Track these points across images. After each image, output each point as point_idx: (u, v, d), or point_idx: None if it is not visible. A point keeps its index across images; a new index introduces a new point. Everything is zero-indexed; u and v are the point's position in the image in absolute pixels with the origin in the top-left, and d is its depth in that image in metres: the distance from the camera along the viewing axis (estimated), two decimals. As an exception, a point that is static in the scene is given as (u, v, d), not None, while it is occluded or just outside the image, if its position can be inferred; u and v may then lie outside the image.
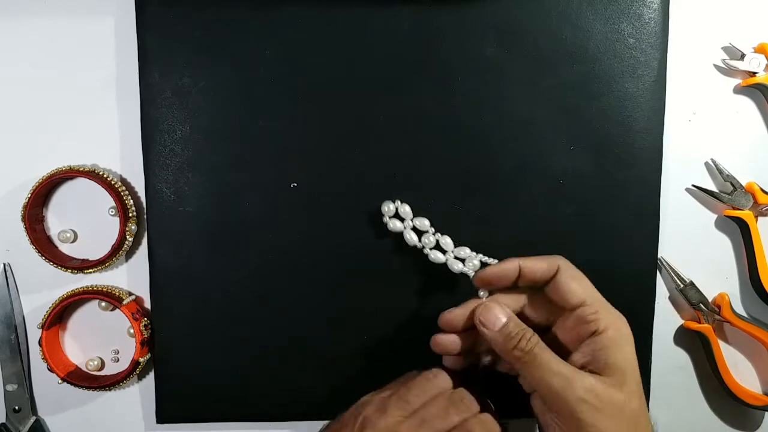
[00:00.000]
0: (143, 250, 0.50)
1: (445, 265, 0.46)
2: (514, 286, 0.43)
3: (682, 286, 0.50)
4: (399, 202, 0.45)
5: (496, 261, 0.44)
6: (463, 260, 0.45)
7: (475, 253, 0.45)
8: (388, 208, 0.46)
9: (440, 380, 0.41)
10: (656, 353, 0.50)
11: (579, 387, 0.38)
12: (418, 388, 0.41)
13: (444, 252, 0.45)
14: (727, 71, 0.50)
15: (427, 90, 0.47)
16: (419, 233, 0.45)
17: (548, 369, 0.38)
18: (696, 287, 0.50)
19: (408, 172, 0.48)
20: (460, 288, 0.48)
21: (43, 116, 0.49)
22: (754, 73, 0.49)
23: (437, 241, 0.45)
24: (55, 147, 0.49)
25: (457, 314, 0.43)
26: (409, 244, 0.45)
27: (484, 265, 0.44)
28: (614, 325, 0.40)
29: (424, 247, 0.45)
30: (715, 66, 0.50)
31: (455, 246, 0.45)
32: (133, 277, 0.50)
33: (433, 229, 0.45)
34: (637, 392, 0.39)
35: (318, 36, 0.47)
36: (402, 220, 0.46)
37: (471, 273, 0.44)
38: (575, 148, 0.48)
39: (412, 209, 0.47)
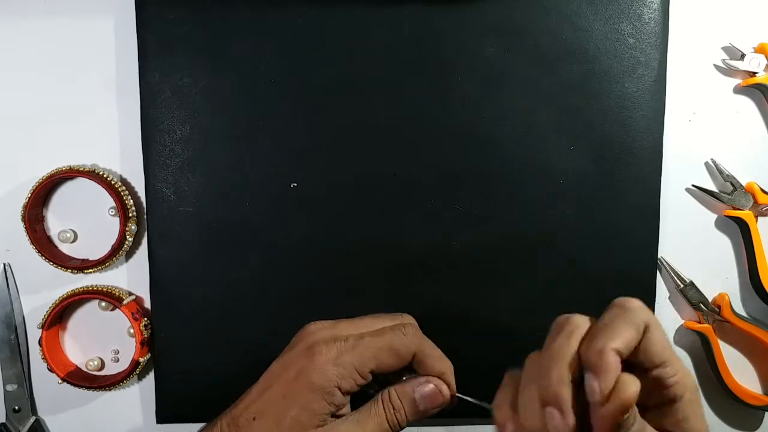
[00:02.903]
0: (143, 250, 0.50)
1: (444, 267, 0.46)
2: None
3: (682, 286, 0.50)
4: None
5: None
6: None
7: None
8: None
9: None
10: (656, 353, 0.50)
11: None
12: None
13: None
14: (727, 71, 0.50)
15: (427, 90, 0.47)
16: None
17: None
18: (696, 287, 0.50)
19: (408, 171, 0.48)
20: (461, 285, 0.48)
21: (43, 116, 0.49)
22: (754, 73, 0.49)
23: None
24: (55, 147, 0.49)
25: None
26: None
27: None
28: (690, 387, 0.34)
29: None
30: (715, 66, 0.50)
31: None
32: (133, 277, 0.50)
33: None
34: None
35: (318, 36, 0.47)
36: None
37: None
38: (575, 148, 0.48)
39: (411, 209, 0.47)
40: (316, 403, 0.37)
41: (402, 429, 0.39)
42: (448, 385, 0.40)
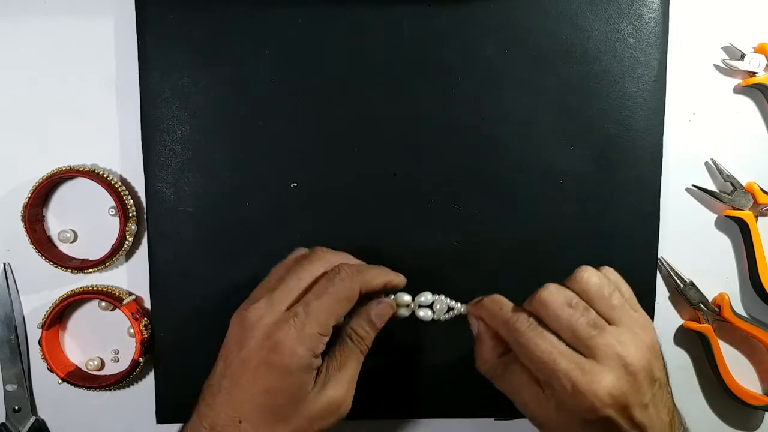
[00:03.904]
0: (143, 250, 0.50)
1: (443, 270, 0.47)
2: None
3: (682, 286, 0.50)
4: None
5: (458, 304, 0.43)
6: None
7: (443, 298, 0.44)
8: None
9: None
10: (656, 353, 0.50)
11: None
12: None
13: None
14: (727, 71, 0.50)
15: (427, 90, 0.48)
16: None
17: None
18: (696, 287, 0.50)
19: (408, 172, 0.48)
20: (461, 285, 0.48)
21: (43, 116, 0.49)
22: (754, 73, 0.49)
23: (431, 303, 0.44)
24: (55, 147, 0.49)
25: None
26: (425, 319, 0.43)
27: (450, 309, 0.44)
28: None
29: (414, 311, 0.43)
30: (715, 66, 0.50)
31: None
32: (133, 277, 0.50)
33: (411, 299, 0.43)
34: None
35: (318, 36, 0.47)
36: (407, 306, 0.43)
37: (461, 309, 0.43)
38: (575, 148, 0.48)
39: (411, 209, 0.48)
40: (298, 380, 0.38)
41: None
42: (396, 286, 0.43)
